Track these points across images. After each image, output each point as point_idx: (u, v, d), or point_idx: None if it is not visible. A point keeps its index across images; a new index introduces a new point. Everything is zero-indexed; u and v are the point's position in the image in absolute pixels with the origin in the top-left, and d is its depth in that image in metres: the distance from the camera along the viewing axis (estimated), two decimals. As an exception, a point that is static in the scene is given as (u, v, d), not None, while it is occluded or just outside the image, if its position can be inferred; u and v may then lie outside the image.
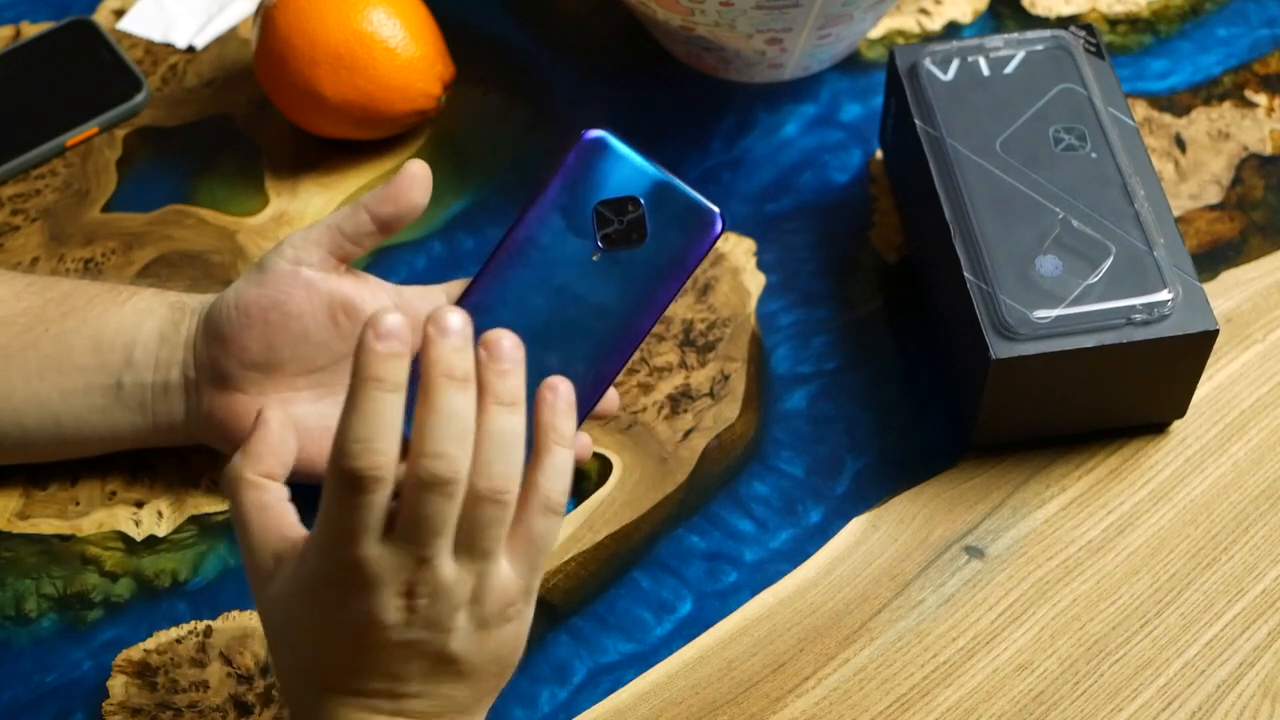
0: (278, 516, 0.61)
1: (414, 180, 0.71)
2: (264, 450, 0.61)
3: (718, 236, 0.70)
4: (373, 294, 0.72)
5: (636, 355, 0.80)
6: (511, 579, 0.61)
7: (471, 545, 0.59)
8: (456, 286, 0.74)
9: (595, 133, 0.71)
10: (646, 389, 0.79)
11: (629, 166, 0.71)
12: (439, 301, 0.73)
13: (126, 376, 0.72)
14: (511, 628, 0.62)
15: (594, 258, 0.70)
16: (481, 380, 0.59)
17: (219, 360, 0.71)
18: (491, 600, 0.60)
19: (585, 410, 0.71)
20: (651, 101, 0.90)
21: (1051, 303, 0.72)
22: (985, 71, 0.79)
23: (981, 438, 0.76)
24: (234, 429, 0.72)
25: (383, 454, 0.56)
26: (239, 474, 0.61)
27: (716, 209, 0.70)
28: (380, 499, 0.57)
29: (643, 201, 0.70)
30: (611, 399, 0.74)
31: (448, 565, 0.59)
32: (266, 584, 0.60)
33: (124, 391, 0.73)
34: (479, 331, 0.72)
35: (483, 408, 0.59)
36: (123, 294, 0.74)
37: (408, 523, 0.58)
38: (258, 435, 0.61)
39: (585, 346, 0.70)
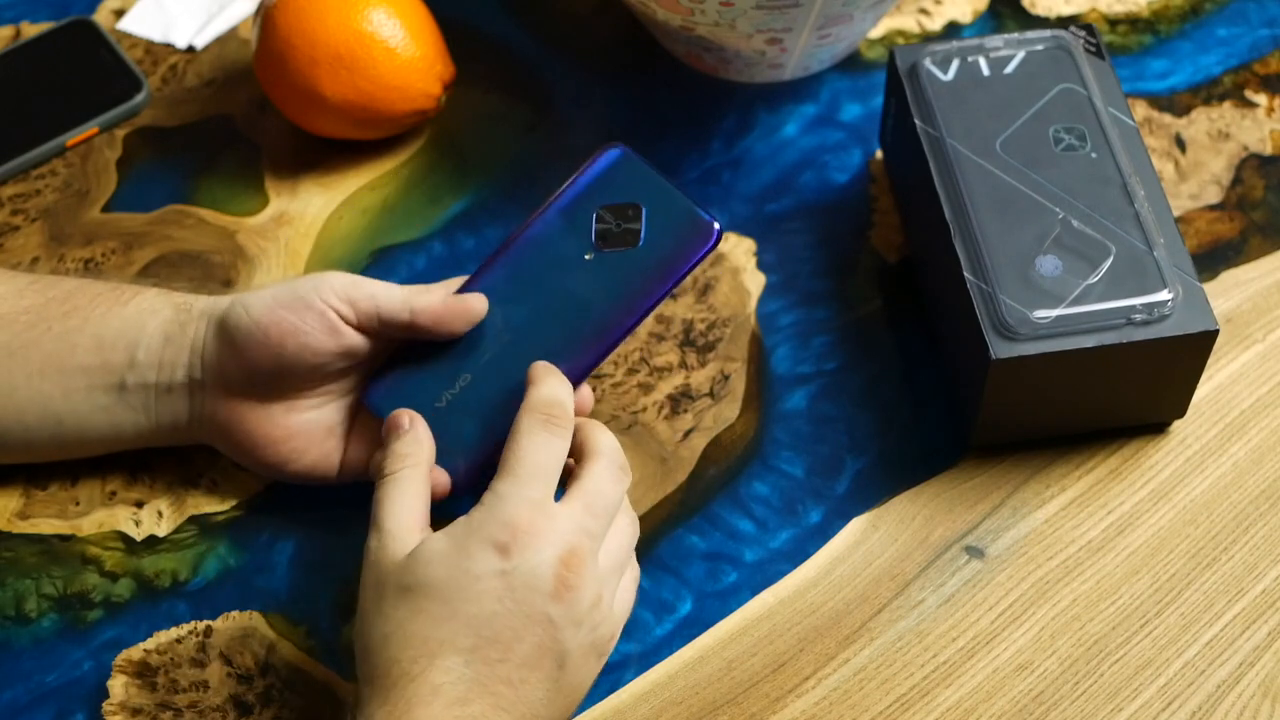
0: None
1: (468, 313, 0.71)
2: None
3: (711, 248, 0.71)
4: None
5: (636, 355, 0.80)
6: (619, 617, 0.67)
7: (617, 557, 0.67)
8: (456, 283, 0.74)
9: (613, 147, 0.72)
10: (646, 389, 0.79)
11: (639, 177, 0.72)
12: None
13: (130, 377, 0.72)
14: (596, 667, 0.67)
15: (587, 256, 0.71)
16: None
17: (227, 366, 0.71)
18: (606, 626, 0.66)
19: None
20: (651, 101, 0.90)
21: (1051, 303, 0.72)
22: (985, 71, 0.79)
23: (981, 438, 0.76)
24: (236, 432, 0.73)
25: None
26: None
27: (716, 223, 0.71)
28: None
29: (643, 208, 0.71)
30: (585, 396, 0.73)
31: (602, 559, 0.66)
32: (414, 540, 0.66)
33: (127, 391, 0.73)
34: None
35: None
36: (126, 293, 0.74)
37: (592, 489, 0.66)
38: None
39: (565, 339, 0.72)
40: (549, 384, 0.69)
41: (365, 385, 0.74)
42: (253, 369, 0.71)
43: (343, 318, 0.70)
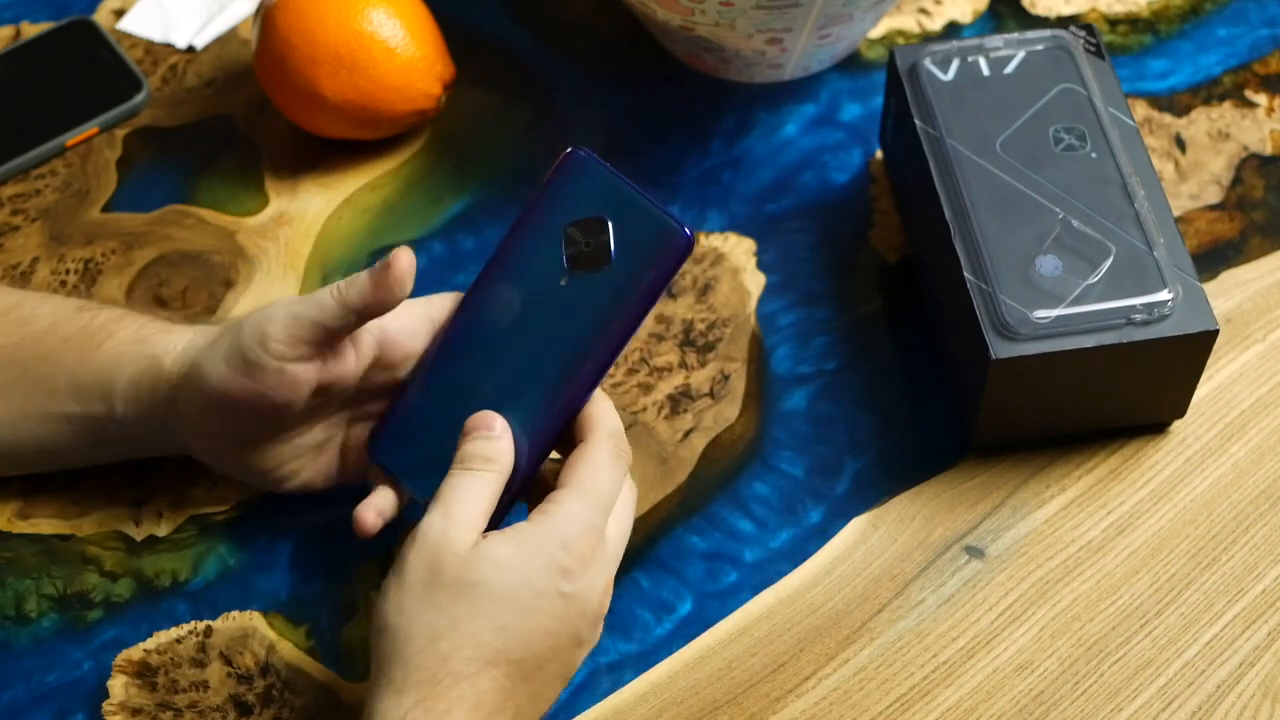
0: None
1: (400, 277, 0.67)
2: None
3: (684, 256, 0.67)
4: (358, 353, 0.70)
5: (636, 355, 0.80)
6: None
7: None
8: (442, 303, 0.72)
9: (574, 151, 0.70)
10: (646, 389, 0.79)
11: (602, 185, 0.69)
12: (420, 332, 0.71)
13: (113, 426, 0.72)
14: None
15: (562, 281, 0.69)
16: None
17: (203, 428, 0.71)
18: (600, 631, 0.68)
19: (554, 437, 0.69)
20: (651, 101, 0.90)
21: (1051, 303, 0.72)
22: (985, 71, 0.79)
23: (981, 438, 0.76)
24: (226, 465, 0.73)
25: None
26: None
27: (686, 230, 0.67)
28: None
29: (609, 223, 0.69)
30: None
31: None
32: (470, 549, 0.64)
33: (112, 434, 0.72)
34: (467, 354, 0.71)
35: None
36: (97, 335, 0.72)
37: (625, 521, 0.67)
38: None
39: (557, 373, 0.68)
40: (614, 414, 0.68)
41: (354, 402, 0.73)
42: (228, 430, 0.70)
43: (295, 359, 0.68)
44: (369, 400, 0.73)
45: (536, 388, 0.69)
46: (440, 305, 0.72)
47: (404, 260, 0.67)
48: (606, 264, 0.68)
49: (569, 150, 0.70)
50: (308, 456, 0.72)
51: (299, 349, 0.67)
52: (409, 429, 0.71)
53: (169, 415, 0.71)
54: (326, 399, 0.71)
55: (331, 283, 0.69)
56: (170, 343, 0.71)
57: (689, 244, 0.68)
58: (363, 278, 0.67)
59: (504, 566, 0.63)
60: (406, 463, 0.71)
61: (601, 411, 0.68)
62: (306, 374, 0.68)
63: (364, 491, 0.75)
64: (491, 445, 0.67)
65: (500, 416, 0.68)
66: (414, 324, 0.71)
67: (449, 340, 0.71)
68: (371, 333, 0.70)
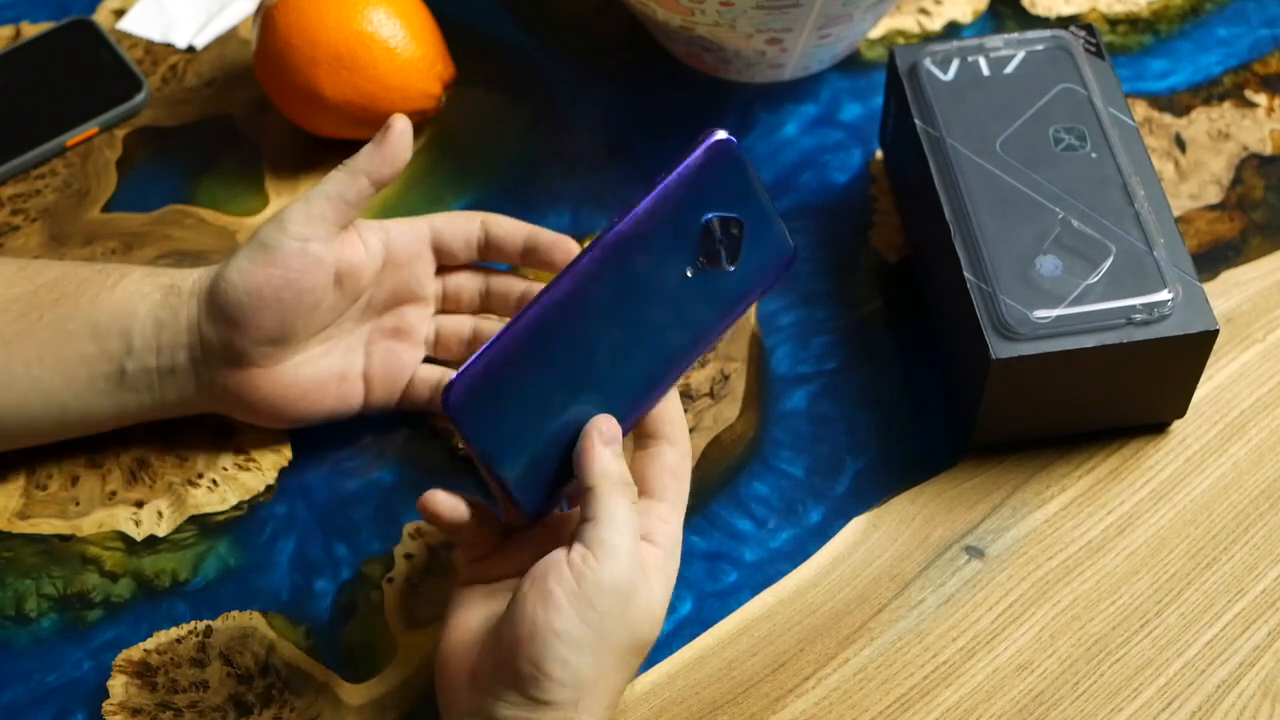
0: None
1: (401, 137, 0.72)
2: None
3: (786, 271, 0.69)
4: (366, 246, 0.74)
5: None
6: None
7: None
8: (449, 218, 0.76)
9: (721, 136, 0.67)
10: (646, 389, 0.79)
11: (743, 182, 0.67)
12: (423, 234, 0.75)
13: (129, 363, 0.73)
14: None
15: (688, 273, 0.67)
16: None
17: (232, 342, 0.72)
18: None
19: (638, 415, 0.67)
20: (651, 101, 0.90)
21: (1051, 303, 0.72)
22: (985, 71, 0.79)
23: (981, 438, 0.76)
24: (248, 400, 0.74)
25: None
26: None
27: (793, 245, 0.69)
28: None
29: (745, 225, 0.68)
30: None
31: None
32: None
33: (128, 376, 0.73)
34: (570, 325, 0.65)
35: None
36: (112, 275, 0.74)
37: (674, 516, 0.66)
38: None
39: (652, 365, 0.67)
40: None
41: (372, 312, 0.74)
42: (259, 334, 0.72)
43: (319, 239, 0.71)
44: (385, 314, 0.76)
45: (633, 375, 0.66)
46: (446, 218, 0.76)
47: (400, 124, 0.73)
48: (733, 264, 0.68)
49: (717, 136, 0.66)
50: (331, 385, 0.74)
51: (315, 227, 0.71)
52: (493, 389, 0.64)
53: (191, 344, 0.72)
54: (344, 295, 0.73)
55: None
56: (185, 274, 0.74)
57: (791, 260, 0.69)
58: (367, 147, 0.72)
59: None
60: (482, 425, 0.63)
61: (681, 415, 0.67)
62: (327, 254, 0.72)
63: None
64: (624, 466, 0.65)
65: (619, 426, 0.65)
66: (415, 227, 0.76)
67: (552, 304, 0.65)
68: (375, 231, 0.74)
